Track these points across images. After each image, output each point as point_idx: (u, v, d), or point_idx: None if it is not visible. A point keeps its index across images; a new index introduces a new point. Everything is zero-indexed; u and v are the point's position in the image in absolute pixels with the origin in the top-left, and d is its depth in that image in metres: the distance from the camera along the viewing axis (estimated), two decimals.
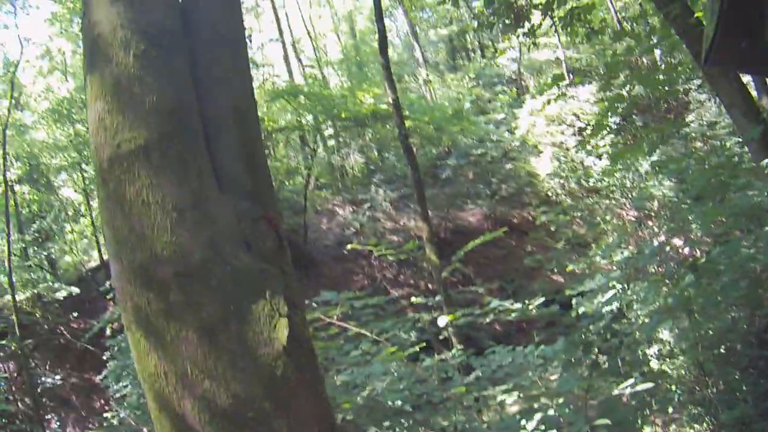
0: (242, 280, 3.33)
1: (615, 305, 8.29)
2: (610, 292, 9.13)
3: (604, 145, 18.47)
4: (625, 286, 9.61)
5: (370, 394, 6.66)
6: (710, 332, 11.39)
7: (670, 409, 13.03)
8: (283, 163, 24.72)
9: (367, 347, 7.38)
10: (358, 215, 25.00)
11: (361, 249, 9.19)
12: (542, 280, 20.06)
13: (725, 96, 10.73)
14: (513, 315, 7.19)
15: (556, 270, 19.23)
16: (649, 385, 4.84)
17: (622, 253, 15.29)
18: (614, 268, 15.80)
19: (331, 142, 28.59)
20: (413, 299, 9.59)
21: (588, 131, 20.75)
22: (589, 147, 19.20)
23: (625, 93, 10.76)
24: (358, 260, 22.70)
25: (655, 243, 16.50)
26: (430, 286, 19.36)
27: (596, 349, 6.25)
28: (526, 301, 7.15)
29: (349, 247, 10.00)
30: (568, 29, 9.63)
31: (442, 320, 7.00)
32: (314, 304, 8.00)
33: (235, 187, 3.68)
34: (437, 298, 12.13)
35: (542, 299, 7.09)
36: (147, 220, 3.33)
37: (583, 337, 6.72)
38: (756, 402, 10.69)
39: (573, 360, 6.41)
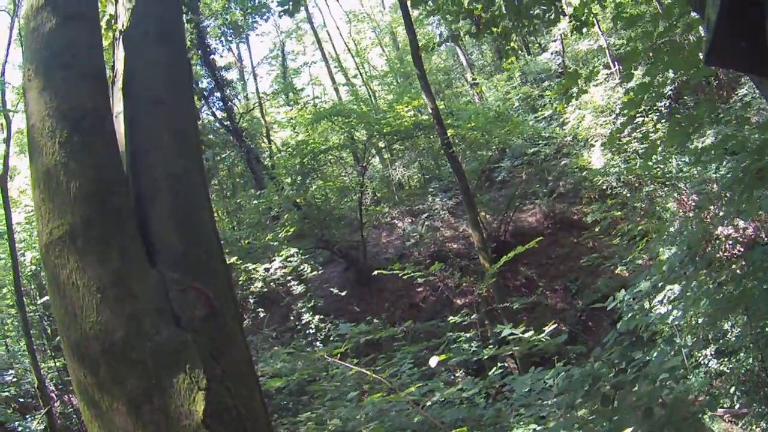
0: (162, 355, 3.44)
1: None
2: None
3: (647, 132, 17.90)
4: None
5: None
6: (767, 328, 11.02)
7: (737, 405, 12.71)
8: (335, 182, 24.75)
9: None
10: (417, 226, 24.92)
11: (387, 273, 9.12)
12: (606, 276, 19.61)
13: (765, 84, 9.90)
14: (517, 348, 7.06)
15: (620, 265, 18.79)
16: None
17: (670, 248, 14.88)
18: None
19: (386, 155, 28.63)
20: (450, 319, 9.54)
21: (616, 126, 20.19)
22: (618, 143, 18.72)
23: (648, 79, 10.29)
24: (420, 271, 22.59)
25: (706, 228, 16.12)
26: (492, 291, 19.16)
27: (606, 385, 6.02)
28: (543, 332, 6.94)
29: (375, 272, 9.98)
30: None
31: (434, 361, 6.86)
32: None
33: (166, 257, 3.84)
34: (473, 316, 12.00)
35: (554, 326, 6.88)
36: (77, 301, 3.54)
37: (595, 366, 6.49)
38: None
39: (578, 397, 6.19)
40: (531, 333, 6.56)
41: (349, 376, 7.84)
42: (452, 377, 17.56)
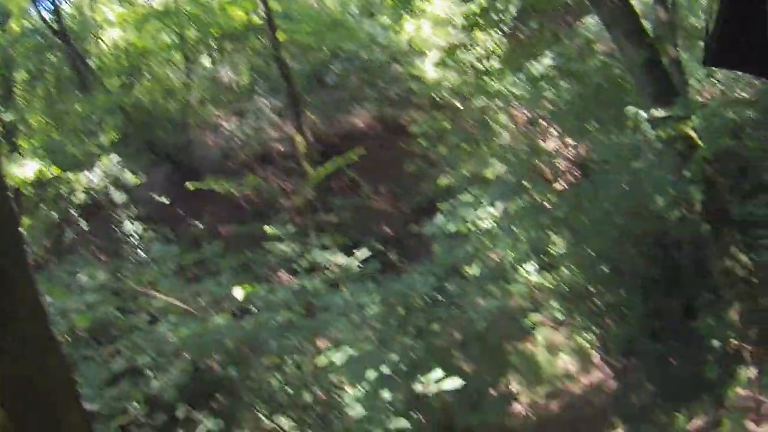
0: None
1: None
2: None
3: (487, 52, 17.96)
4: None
5: None
6: (592, 252, 11.55)
7: (558, 315, 13.36)
8: (162, 83, 23.81)
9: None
10: (244, 127, 24.54)
11: (201, 187, 8.67)
12: (431, 182, 19.89)
13: (605, 12, 9.83)
14: (332, 274, 7.03)
15: (446, 171, 19.07)
16: (457, 383, 4.67)
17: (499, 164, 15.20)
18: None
19: (216, 56, 27.74)
20: (267, 229, 9.35)
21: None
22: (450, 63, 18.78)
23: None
24: (244, 172, 22.29)
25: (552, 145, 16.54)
26: (314, 196, 19.19)
27: (420, 318, 6.07)
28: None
29: (187, 185, 9.57)
30: None
31: (238, 292, 6.73)
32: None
33: None
34: (289, 227, 11.99)
35: (369, 253, 6.82)
36: None
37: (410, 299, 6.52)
38: (642, 322, 10.94)
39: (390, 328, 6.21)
40: (344, 260, 6.48)
41: (161, 306, 7.64)
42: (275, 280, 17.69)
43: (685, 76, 11.41)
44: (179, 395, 7.52)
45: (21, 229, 4.10)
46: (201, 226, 20.44)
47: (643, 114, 7.59)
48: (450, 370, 5.33)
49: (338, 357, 6.27)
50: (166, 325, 7.18)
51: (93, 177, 17.57)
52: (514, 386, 7.32)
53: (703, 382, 8.28)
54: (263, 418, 8.12)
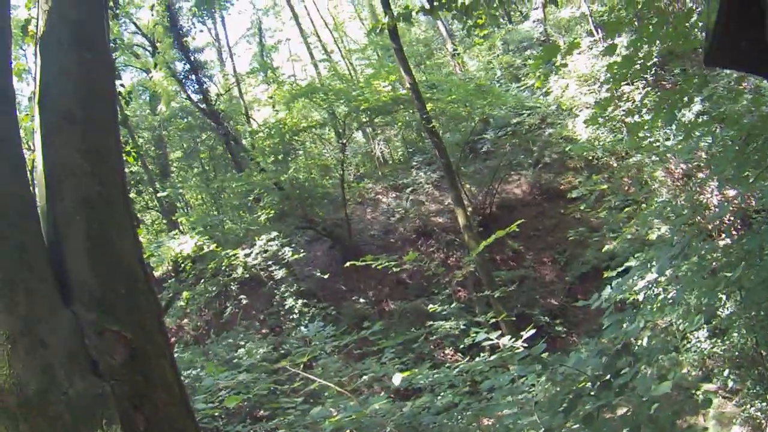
0: (78, 409, 3.07)
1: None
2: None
3: (635, 106, 17.38)
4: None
5: None
6: (762, 312, 10.79)
7: (730, 383, 12.50)
8: (316, 159, 24.36)
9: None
10: (402, 201, 24.70)
11: (359, 264, 8.60)
12: (594, 248, 19.35)
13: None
14: (497, 356, 6.67)
15: (608, 236, 18.49)
16: None
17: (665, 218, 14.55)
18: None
19: (368, 130, 28.22)
20: (430, 307, 9.15)
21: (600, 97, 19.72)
22: (600, 120, 18.21)
23: (632, 50, 9.86)
24: (405, 246, 22.37)
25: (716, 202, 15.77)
26: (477, 269, 18.90)
27: (588, 401, 5.64)
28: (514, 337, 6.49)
29: (347, 264, 9.56)
30: None
31: (397, 379, 6.46)
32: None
33: (81, 295, 3.37)
34: (452, 305, 11.71)
35: (533, 331, 6.47)
36: None
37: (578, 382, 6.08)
38: None
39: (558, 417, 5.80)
40: (508, 339, 6.14)
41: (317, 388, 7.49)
42: (441, 354, 17.44)
43: None
44: None
45: (161, 306, 3.99)
46: (363, 301, 20.50)
47: None
48: None
49: None
50: (321, 409, 7.01)
51: (252, 252, 17.98)
52: None
53: None
54: None
